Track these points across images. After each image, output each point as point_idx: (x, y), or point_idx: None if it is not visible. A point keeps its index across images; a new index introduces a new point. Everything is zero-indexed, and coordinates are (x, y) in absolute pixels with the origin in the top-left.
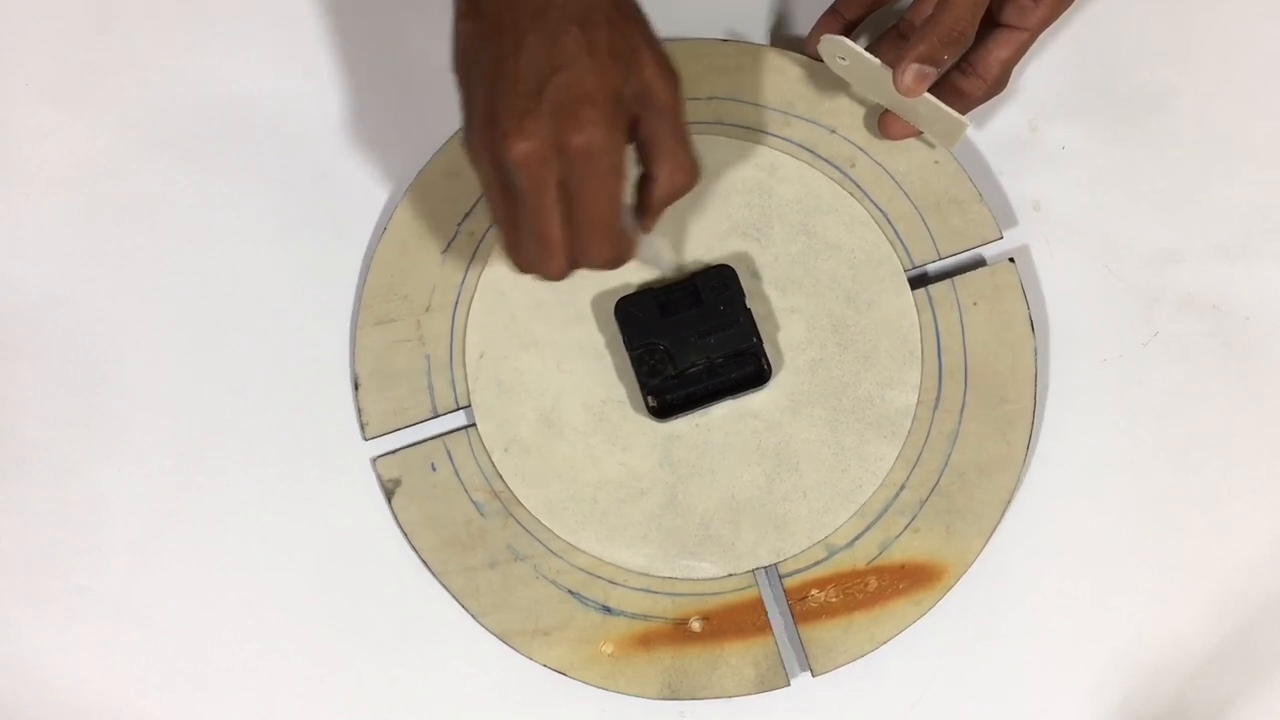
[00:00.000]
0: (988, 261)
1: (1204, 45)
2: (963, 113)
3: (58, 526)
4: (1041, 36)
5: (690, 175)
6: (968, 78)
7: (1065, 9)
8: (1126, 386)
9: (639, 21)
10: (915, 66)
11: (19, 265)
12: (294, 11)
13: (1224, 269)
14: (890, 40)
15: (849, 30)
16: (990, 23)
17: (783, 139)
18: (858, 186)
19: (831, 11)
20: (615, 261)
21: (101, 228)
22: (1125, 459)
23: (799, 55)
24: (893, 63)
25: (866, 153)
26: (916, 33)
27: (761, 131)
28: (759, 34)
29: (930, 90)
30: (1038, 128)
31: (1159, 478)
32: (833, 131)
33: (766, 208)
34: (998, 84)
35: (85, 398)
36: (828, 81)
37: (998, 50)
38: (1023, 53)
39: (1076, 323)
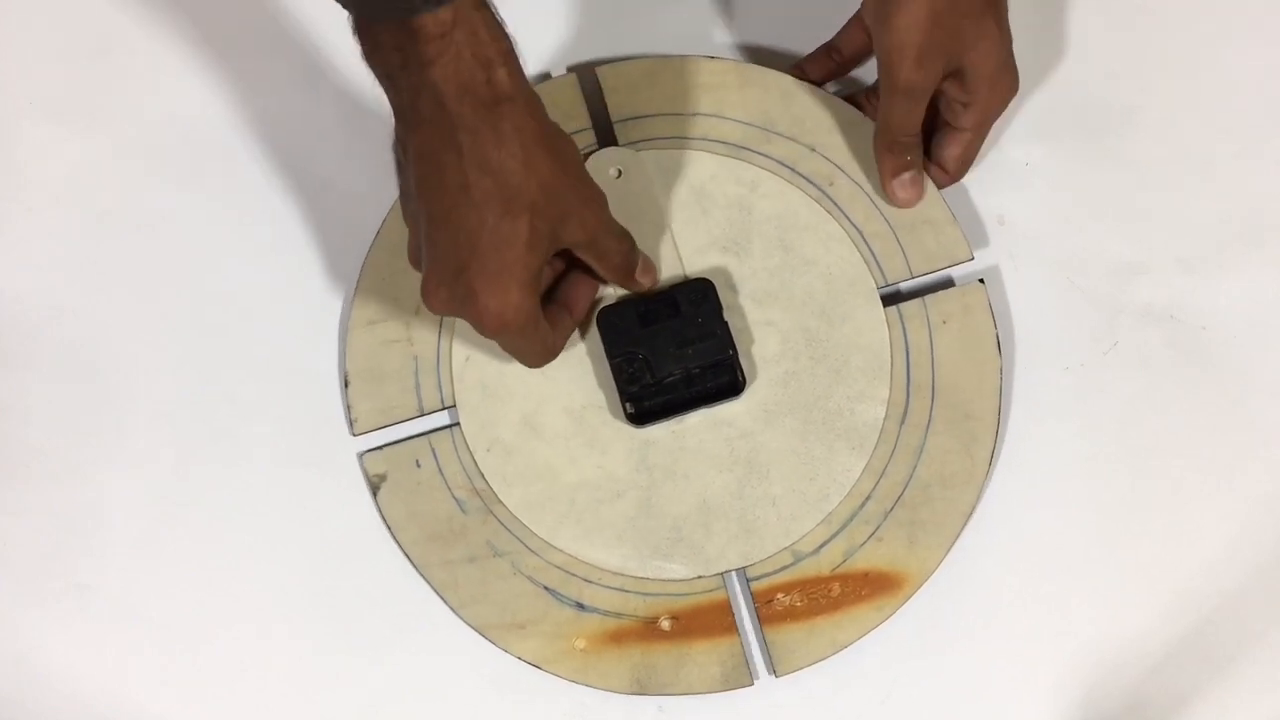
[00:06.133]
0: (958, 280)
1: (1164, 65)
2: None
3: (60, 525)
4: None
5: (625, 266)
6: (933, 165)
7: (1002, 108)
8: (1087, 395)
9: (566, 185)
10: (895, 181)
11: (22, 276)
12: (291, 29)
13: (1182, 282)
14: (819, 57)
15: (841, 70)
16: (941, 120)
17: (764, 155)
18: (835, 204)
19: (827, 48)
20: (544, 365)
21: (100, 240)
22: (1085, 464)
23: (782, 74)
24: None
25: (844, 172)
26: (875, 151)
27: (744, 148)
28: (744, 52)
29: None
30: (1002, 145)
31: (1118, 483)
32: (812, 150)
33: (746, 223)
34: (958, 174)
35: (86, 403)
36: (809, 101)
37: (949, 148)
38: (973, 148)
39: (1039, 333)
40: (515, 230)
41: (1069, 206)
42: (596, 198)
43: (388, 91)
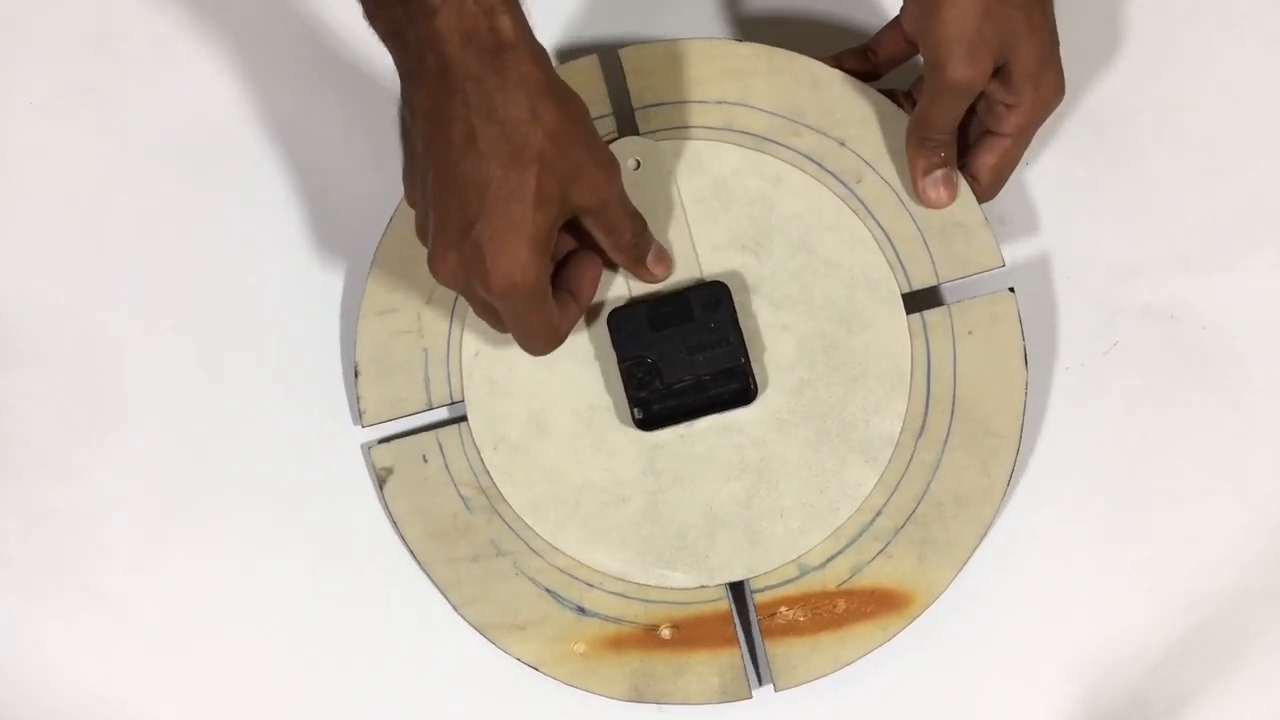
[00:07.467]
0: (979, 287)
1: (1165, 65)
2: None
3: (60, 525)
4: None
5: (637, 248)
6: (966, 177)
7: (1047, 113)
8: (1087, 394)
9: (575, 139)
10: (927, 179)
11: (22, 276)
12: (290, 24)
13: (1182, 282)
14: (854, 55)
15: (875, 73)
16: (981, 127)
17: (790, 149)
18: (861, 204)
19: (864, 48)
20: (549, 350)
21: (100, 238)
22: (1085, 464)
23: (813, 60)
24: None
25: (874, 168)
26: (907, 147)
27: (769, 140)
28: (776, 35)
29: None
30: None
31: (1117, 482)
32: (842, 144)
33: (768, 221)
34: (991, 187)
35: (86, 402)
36: (840, 91)
37: (984, 156)
38: (1011, 158)
39: (1039, 333)
40: (524, 182)
41: (1069, 206)
42: (608, 161)
43: (393, 51)
